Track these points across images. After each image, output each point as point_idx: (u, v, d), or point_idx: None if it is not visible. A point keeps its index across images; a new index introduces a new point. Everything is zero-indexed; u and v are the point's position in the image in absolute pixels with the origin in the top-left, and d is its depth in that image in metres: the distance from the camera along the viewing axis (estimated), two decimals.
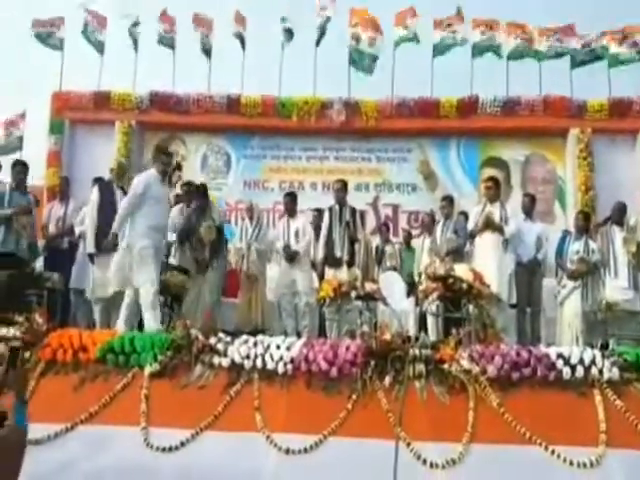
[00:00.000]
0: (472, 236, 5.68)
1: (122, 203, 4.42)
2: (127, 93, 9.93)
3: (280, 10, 10.41)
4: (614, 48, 9.51)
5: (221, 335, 3.03)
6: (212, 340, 2.96)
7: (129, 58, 10.20)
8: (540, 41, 9.83)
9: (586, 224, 5.96)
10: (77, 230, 5.65)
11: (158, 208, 4.40)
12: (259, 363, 2.89)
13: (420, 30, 10.06)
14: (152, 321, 3.80)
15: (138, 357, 2.98)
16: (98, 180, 5.70)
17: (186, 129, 9.98)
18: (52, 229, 6.07)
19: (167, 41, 10.27)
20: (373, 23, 10.09)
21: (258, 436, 2.54)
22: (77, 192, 7.21)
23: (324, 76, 10.04)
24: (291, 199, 6.23)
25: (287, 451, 2.48)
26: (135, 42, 10.23)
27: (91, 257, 4.87)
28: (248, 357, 2.90)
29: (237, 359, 2.89)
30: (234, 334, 3.26)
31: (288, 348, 2.99)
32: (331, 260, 5.81)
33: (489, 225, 5.53)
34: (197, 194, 5.83)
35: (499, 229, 5.53)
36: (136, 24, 10.22)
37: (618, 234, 5.62)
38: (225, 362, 2.88)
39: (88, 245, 4.90)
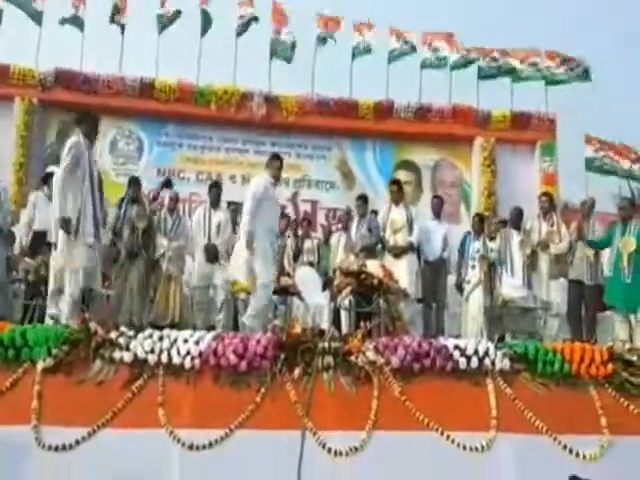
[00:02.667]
0: (381, 242, 5.91)
1: (245, 208, 4.67)
2: (29, 68, 9.17)
3: None
4: (517, 65, 10.26)
5: (123, 329, 2.88)
6: (113, 334, 2.81)
7: (32, 32, 9.43)
8: (451, 52, 10.37)
9: (482, 225, 6.42)
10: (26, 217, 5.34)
11: (273, 211, 4.75)
12: (164, 358, 2.78)
13: (339, 33, 10.26)
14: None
15: (30, 351, 2.75)
16: None
17: (94, 110, 9.37)
18: None
19: (75, 20, 9.60)
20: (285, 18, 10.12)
21: (161, 432, 2.45)
22: None
23: (244, 67, 9.90)
24: (217, 190, 6.10)
25: (191, 447, 2.42)
26: (39, 15, 9.47)
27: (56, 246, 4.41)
28: (152, 351, 2.78)
29: (140, 354, 2.76)
30: (139, 328, 3.13)
31: (197, 342, 2.91)
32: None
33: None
34: (129, 184, 5.90)
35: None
36: None
37: (515, 237, 6.06)
38: (127, 357, 2.74)
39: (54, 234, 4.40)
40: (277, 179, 4.88)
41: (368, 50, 10.22)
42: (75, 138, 4.15)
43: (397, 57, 10.32)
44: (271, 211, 4.72)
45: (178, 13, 9.89)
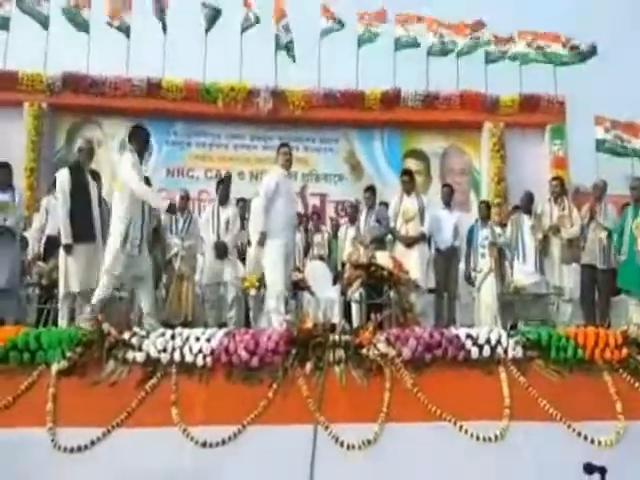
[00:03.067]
0: (392, 233, 5.86)
1: (256, 203, 4.64)
2: (37, 73, 9.27)
3: None
4: (523, 48, 10.11)
5: (136, 329, 2.91)
6: (126, 335, 2.84)
7: (40, 36, 9.51)
8: (457, 37, 10.25)
9: (488, 212, 6.38)
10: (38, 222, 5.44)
11: (289, 205, 4.65)
12: (177, 356, 2.81)
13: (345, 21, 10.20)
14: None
15: (45, 354, 2.80)
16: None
17: (102, 112, 9.48)
18: None
19: (81, 24, 9.65)
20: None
21: (174, 431, 2.48)
22: None
23: (250, 64, 9.89)
24: (225, 186, 6.10)
25: (204, 444, 2.44)
26: (45, 20, 9.54)
27: (67, 248, 4.42)
28: (165, 350, 2.81)
29: (153, 353, 2.79)
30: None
31: (208, 340, 2.93)
32: None
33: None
34: None
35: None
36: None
37: (526, 222, 6.00)
38: (140, 357, 2.78)
39: (64, 235, 4.42)
40: (288, 167, 4.79)
41: (373, 39, 10.14)
42: (129, 155, 4.25)
43: (403, 46, 10.23)
44: (287, 205, 4.65)
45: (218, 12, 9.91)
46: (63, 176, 4.54)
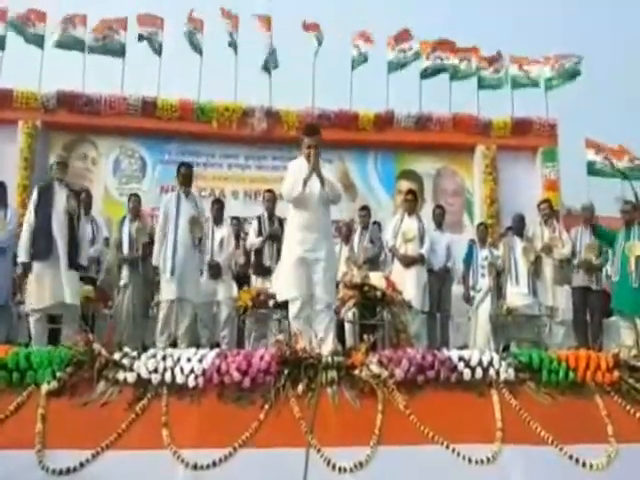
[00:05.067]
0: (391, 250, 5.90)
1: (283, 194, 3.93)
2: (31, 92, 9.33)
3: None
4: (515, 72, 10.32)
5: (127, 349, 2.89)
6: (116, 355, 2.82)
7: (34, 56, 9.60)
8: (450, 59, 10.44)
9: (486, 233, 6.64)
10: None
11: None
12: (168, 377, 2.79)
13: (337, 42, 10.40)
14: None
15: (34, 374, 2.76)
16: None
17: (96, 131, 9.53)
18: None
19: (76, 43, 9.76)
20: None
21: (165, 453, 2.44)
22: None
23: (244, 84, 10.03)
24: (219, 206, 6.16)
25: (195, 466, 2.41)
26: (41, 39, 9.64)
27: (25, 266, 4.44)
28: (156, 371, 2.79)
29: (144, 374, 2.77)
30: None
31: (200, 360, 2.92)
32: (259, 269, 5.80)
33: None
34: (129, 200, 6.14)
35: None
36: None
37: (518, 244, 6.08)
38: (131, 377, 2.75)
39: (21, 254, 4.44)
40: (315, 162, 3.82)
41: (365, 60, 10.31)
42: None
43: (396, 67, 10.42)
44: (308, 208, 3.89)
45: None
46: (33, 194, 4.57)
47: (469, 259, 6.45)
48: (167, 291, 4.90)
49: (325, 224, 4.03)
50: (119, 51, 9.80)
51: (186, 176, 5.21)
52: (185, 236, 4.92)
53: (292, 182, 3.85)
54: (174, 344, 4.77)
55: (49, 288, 4.24)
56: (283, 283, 3.90)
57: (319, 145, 3.89)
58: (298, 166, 3.95)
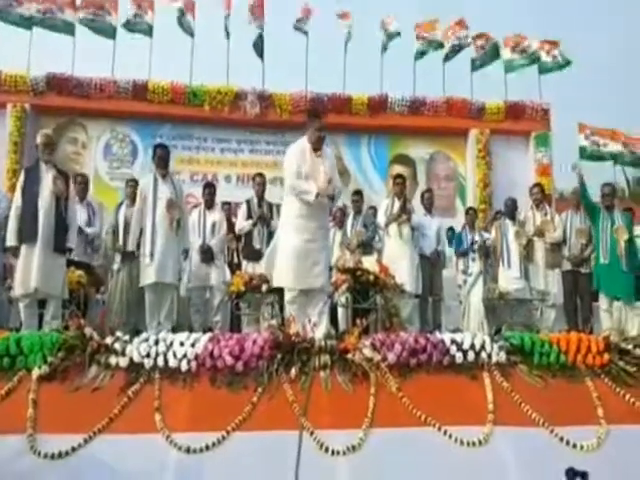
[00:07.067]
0: (387, 225, 5.90)
1: (287, 185, 3.81)
2: (20, 74, 9.16)
3: None
4: (508, 54, 10.26)
5: (119, 334, 2.88)
6: (108, 339, 2.80)
7: (23, 38, 9.40)
8: (444, 41, 10.35)
9: (475, 217, 6.83)
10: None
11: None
12: (160, 361, 2.78)
13: (329, 25, 10.27)
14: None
15: (25, 359, 2.75)
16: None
17: (87, 114, 9.39)
18: None
19: (67, 27, 9.56)
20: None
21: (157, 437, 2.44)
22: None
23: (237, 67, 9.89)
24: (211, 190, 6.11)
25: (188, 450, 2.42)
26: (29, 20, 9.43)
27: (12, 250, 4.37)
28: (148, 356, 2.78)
29: (136, 358, 2.76)
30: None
31: (193, 344, 2.91)
32: (250, 253, 5.77)
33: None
34: (126, 185, 5.99)
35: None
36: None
37: (510, 228, 6.09)
38: (123, 362, 2.74)
39: (8, 238, 4.35)
40: (320, 142, 3.90)
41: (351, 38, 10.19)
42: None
43: (387, 48, 10.32)
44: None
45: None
46: (21, 176, 4.48)
47: (459, 243, 6.53)
48: (147, 275, 4.82)
49: (324, 213, 4.04)
50: (109, 33, 9.62)
51: (162, 158, 5.07)
52: (163, 219, 4.83)
53: (295, 172, 3.79)
54: (174, 329, 4.75)
55: (34, 272, 4.18)
56: (281, 271, 3.89)
57: (324, 129, 3.88)
58: (301, 152, 3.88)
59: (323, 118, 3.92)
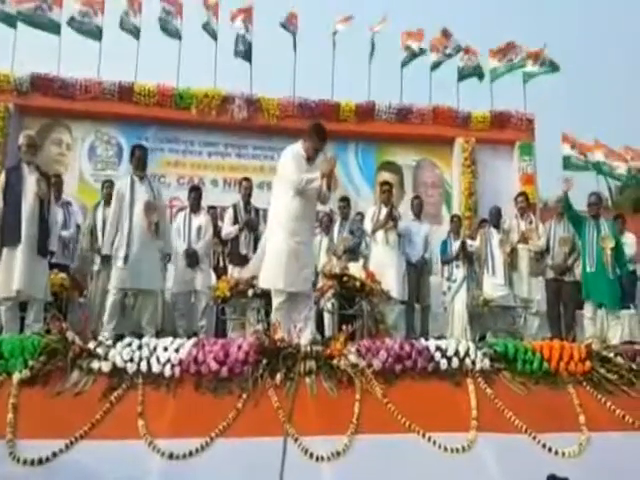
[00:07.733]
0: (374, 232, 5.92)
1: (291, 181, 3.76)
2: (4, 74, 9.03)
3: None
4: (494, 63, 10.41)
5: (101, 338, 2.84)
6: (91, 344, 2.77)
7: (8, 35, 9.28)
8: (432, 51, 10.46)
9: (460, 225, 6.87)
10: None
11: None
12: (144, 366, 2.75)
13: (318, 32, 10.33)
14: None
15: (6, 363, 2.69)
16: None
17: (71, 116, 9.28)
18: None
19: (52, 26, 9.44)
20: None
21: (140, 443, 2.41)
22: None
23: (224, 71, 9.88)
24: (197, 194, 6.07)
25: (171, 456, 2.39)
26: (11, 19, 9.31)
27: None
28: (132, 360, 2.75)
29: (119, 363, 2.72)
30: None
31: (177, 350, 2.88)
32: (236, 258, 5.75)
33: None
34: (102, 187, 5.96)
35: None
36: None
37: (495, 236, 6.16)
38: (106, 367, 2.70)
39: None
40: (316, 152, 3.96)
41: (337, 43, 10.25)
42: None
43: (374, 56, 10.40)
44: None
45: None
46: (1, 177, 4.38)
47: (444, 249, 6.61)
48: (117, 279, 4.68)
49: (314, 215, 4.11)
50: (96, 34, 9.54)
51: (140, 159, 4.95)
52: (140, 222, 4.70)
53: (296, 169, 3.82)
54: (138, 334, 4.68)
55: (17, 274, 4.11)
56: (271, 272, 3.85)
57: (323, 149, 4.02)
58: (297, 156, 3.91)
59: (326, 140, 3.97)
